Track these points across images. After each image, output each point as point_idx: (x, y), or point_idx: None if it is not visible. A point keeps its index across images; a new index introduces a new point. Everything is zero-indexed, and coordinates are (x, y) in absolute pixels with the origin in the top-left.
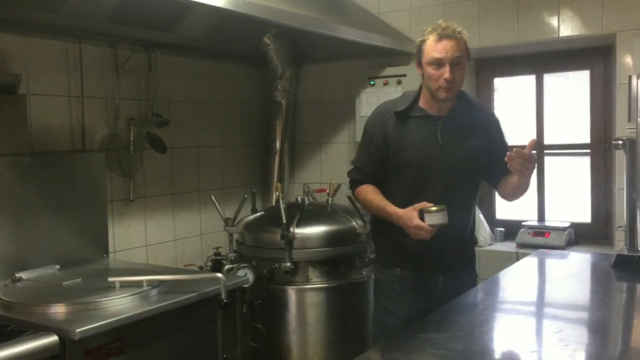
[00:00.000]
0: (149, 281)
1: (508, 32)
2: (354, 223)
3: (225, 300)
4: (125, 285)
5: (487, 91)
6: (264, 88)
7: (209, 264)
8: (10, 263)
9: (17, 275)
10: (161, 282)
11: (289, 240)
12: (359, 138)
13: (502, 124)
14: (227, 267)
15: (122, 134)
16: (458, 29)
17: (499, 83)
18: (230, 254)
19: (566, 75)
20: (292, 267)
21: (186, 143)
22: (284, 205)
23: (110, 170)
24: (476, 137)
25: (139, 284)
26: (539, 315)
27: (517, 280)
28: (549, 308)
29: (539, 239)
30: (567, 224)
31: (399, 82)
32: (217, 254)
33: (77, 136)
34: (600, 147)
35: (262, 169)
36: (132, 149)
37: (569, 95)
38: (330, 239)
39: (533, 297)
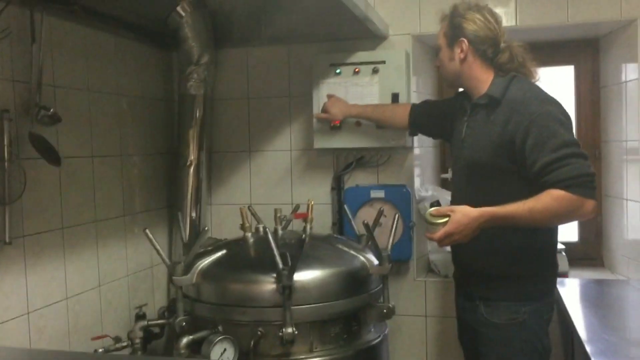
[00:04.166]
0: None
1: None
2: (362, 259)
3: None
4: None
5: None
6: (173, 77)
7: (139, 334)
8: None
9: None
10: None
11: (289, 293)
12: (309, 144)
13: (545, 127)
14: (184, 340)
15: None
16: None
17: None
18: (181, 319)
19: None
20: (295, 332)
21: (80, 151)
22: (273, 240)
23: None
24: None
25: None
26: None
27: None
28: None
29: None
30: None
31: (375, 71)
32: (139, 315)
33: None
34: None
35: (169, 186)
36: (6, 159)
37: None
38: (340, 287)
39: None
